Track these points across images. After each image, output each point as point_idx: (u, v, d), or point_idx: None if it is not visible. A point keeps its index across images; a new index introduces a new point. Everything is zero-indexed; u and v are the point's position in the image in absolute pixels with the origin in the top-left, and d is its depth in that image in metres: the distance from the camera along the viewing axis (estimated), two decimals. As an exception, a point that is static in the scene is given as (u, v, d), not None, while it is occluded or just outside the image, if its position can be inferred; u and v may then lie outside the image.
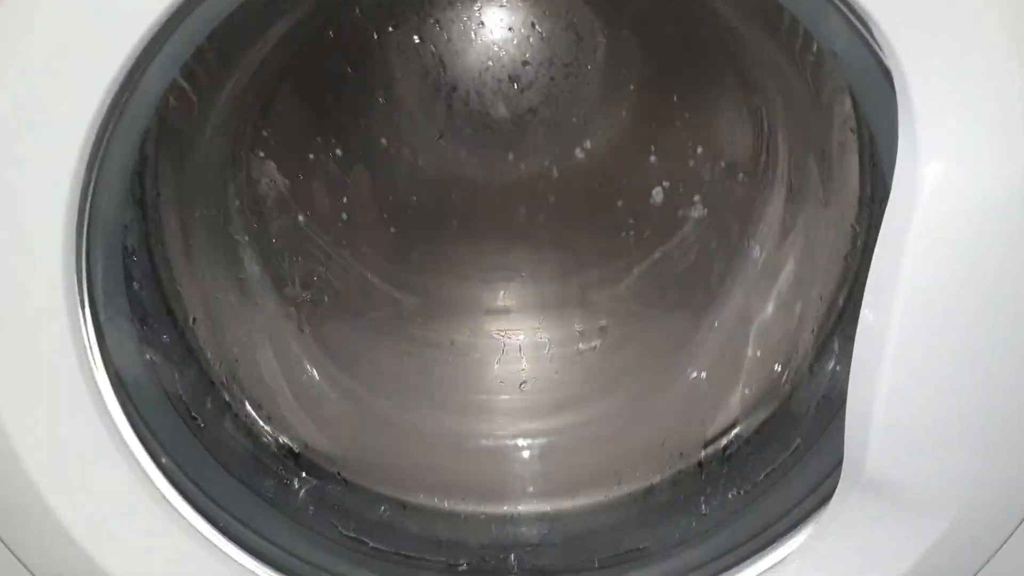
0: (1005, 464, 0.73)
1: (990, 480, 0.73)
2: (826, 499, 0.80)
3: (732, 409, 1.00)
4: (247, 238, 1.06)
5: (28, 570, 0.78)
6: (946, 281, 0.66)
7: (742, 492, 0.92)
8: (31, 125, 0.66)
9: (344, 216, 1.15)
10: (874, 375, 0.70)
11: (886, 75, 0.66)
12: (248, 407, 0.97)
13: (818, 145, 0.93)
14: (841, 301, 0.91)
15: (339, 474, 1.00)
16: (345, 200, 1.15)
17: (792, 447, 0.89)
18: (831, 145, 0.89)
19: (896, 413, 0.70)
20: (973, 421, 0.71)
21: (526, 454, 1.11)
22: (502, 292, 1.22)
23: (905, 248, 0.66)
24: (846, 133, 0.85)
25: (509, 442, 1.11)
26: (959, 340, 0.68)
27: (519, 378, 1.16)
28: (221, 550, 0.82)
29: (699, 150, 1.09)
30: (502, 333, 1.19)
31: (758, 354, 1.01)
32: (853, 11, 0.65)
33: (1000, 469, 0.73)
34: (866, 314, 0.70)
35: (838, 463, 0.77)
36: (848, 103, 0.83)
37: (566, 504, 1.03)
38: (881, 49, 0.65)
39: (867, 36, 0.66)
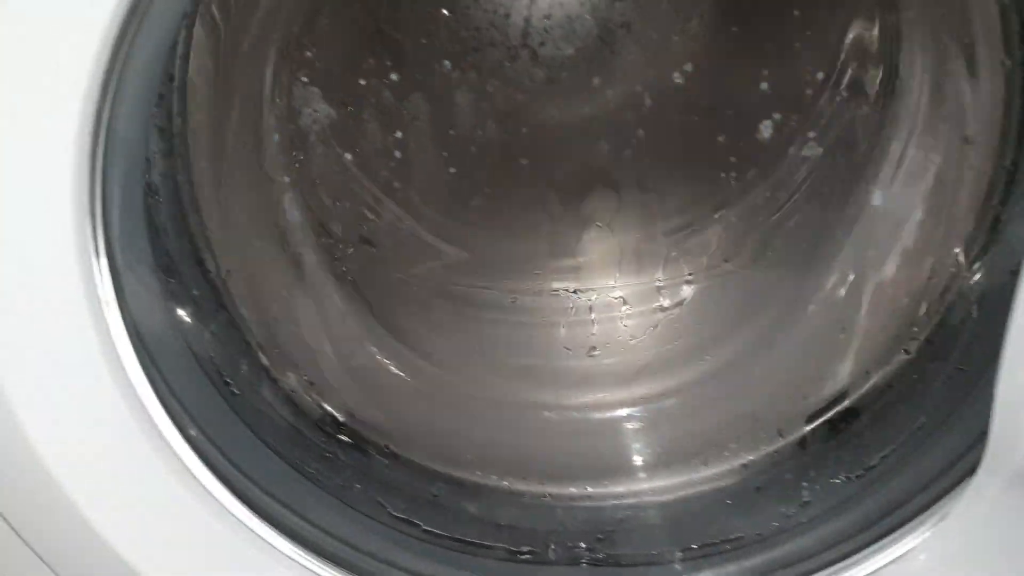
0: None
1: None
2: (955, 486, 0.74)
3: (841, 380, 0.94)
4: (287, 179, 1.00)
5: (37, 555, 0.73)
6: None
7: (853, 477, 0.85)
8: (39, 29, 0.59)
9: (397, 154, 1.09)
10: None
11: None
12: (288, 371, 0.92)
13: (964, 70, 0.85)
14: (978, 254, 0.84)
15: (388, 447, 0.96)
16: (399, 135, 1.08)
17: (915, 426, 0.83)
18: (980, 68, 0.82)
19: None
20: None
21: (597, 429, 1.05)
22: (574, 244, 1.13)
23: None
24: (998, 52, 0.78)
25: (577, 415, 1.05)
26: None
27: (589, 343, 1.10)
28: (256, 533, 0.76)
29: (818, 76, 1.01)
30: (571, 291, 1.12)
31: (873, 317, 0.94)
32: None
33: None
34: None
35: (971, 446, 0.72)
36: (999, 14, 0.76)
37: (644, 486, 0.97)
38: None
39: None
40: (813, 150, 1.03)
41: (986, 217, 0.84)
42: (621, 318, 1.11)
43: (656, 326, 1.10)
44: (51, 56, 0.60)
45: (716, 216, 1.09)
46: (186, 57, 0.78)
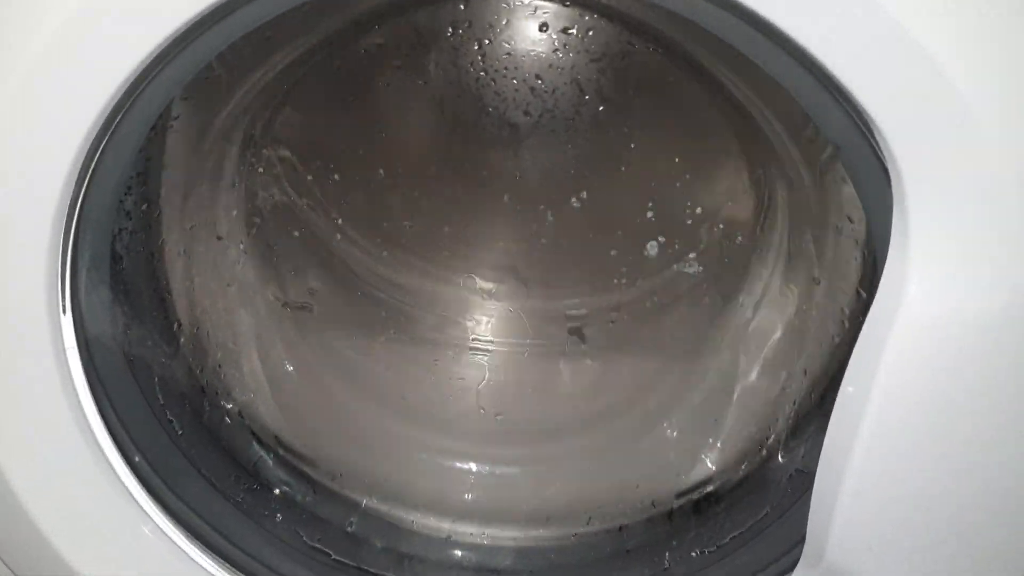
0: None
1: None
2: (786, 572, 0.80)
3: (707, 466, 0.99)
4: (241, 247, 1.06)
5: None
6: (923, 386, 0.66)
7: (706, 552, 0.92)
8: (27, 130, 0.67)
9: (338, 236, 1.16)
10: (843, 467, 0.69)
11: (887, 174, 0.65)
12: (228, 409, 0.98)
13: (815, 225, 0.92)
14: (825, 380, 0.89)
15: (311, 479, 1.01)
16: (340, 222, 1.15)
17: (760, 514, 0.89)
18: (828, 228, 0.88)
19: (860, 507, 0.70)
20: (936, 526, 0.70)
21: (501, 480, 1.11)
22: (490, 323, 1.21)
23: (886, 348, 0.65)
24: (843, 220, 0.84)
25: (486, 466, 1.11)
26: (930, 446, 0.68)
27: (499, 406, 1.16)
28: (183, 550, 0.84)
29: (697, 211, 1.08)
30: (486, 360, 1.19)
31: (739, 415, 1.00)
32: (856, 110, 0.63)
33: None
34: (845, 396, 0.70)
35: (803, 538, 0.77)
36: (848, 193, 0.81)
37: (534, 533, 1.03)
38: (882, 151, 0.64)
39: (869, 136, 0.64)
40: (693, 267, 1.10)
41: (834, 346, 0.87)
42: (529, 388, 1.17)
43: (559, 399, 1.16)
44: (37, 159, 0.67)
45: (611, 313, 1.16)
46: (154, 155, 0.83)
